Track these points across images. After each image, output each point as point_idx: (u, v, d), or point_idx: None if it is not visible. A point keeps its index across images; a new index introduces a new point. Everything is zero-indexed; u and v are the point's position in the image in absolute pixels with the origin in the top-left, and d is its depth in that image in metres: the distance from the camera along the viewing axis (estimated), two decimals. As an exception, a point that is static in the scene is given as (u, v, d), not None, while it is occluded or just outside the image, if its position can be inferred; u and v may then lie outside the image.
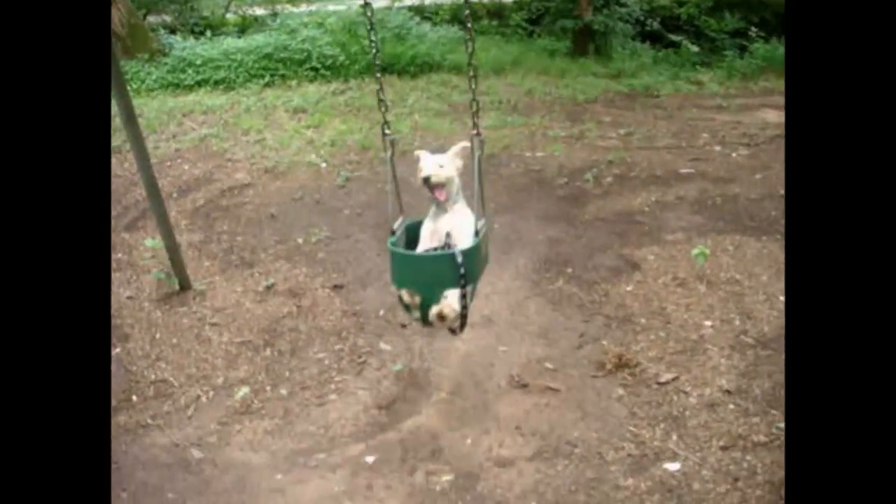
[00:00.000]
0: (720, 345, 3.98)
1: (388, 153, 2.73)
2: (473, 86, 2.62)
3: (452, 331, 2.73)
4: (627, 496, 3.10)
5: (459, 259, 2.44)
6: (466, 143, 2.68)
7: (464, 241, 2.60)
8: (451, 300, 2.54)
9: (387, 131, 2.71)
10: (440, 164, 2.66)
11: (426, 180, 2.64)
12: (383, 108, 2.70)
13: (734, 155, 7.20)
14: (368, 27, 2.71)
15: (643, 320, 4.26)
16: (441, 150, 2.81)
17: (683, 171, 6.74)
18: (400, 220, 2.81)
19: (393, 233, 2.73)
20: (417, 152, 2.78)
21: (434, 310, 2.53)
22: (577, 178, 6.59)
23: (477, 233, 2.57)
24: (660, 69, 11.72)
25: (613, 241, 5.31)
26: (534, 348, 4.04)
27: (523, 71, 11.10)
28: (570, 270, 4.87)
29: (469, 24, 2.62)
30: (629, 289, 4.61)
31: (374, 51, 2.79)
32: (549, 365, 3.90)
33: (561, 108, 9.18)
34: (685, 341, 4.04)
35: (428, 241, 2.73)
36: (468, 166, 2.69)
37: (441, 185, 2.66)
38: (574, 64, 11.70)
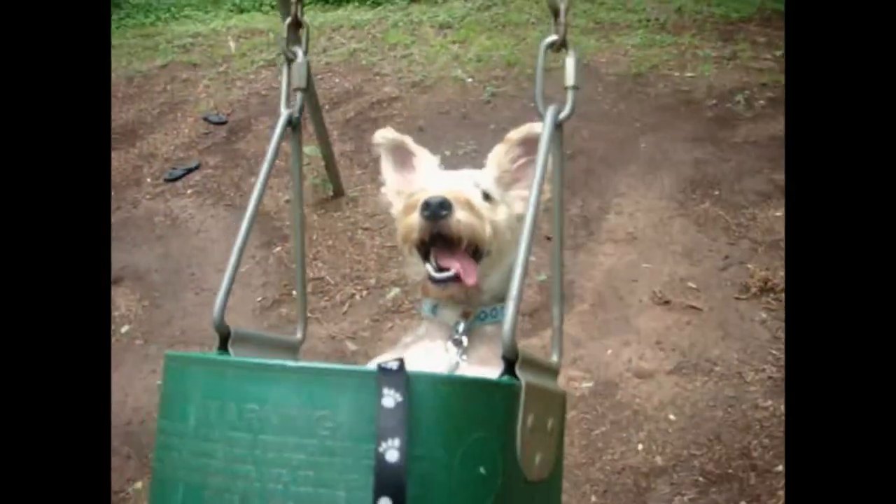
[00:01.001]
0: (873, 274, 3.87)
1: (281, 125, 1.23)
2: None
3: None
4: (766, 416, 3.13)
5: (390, 403, 0.73)
6: (534, 128, 1.32)
7: None
8: None
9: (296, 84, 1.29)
10: (478, 185, 1.31)
11: (432, 211, 1.18)
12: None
13: (902, 80, 6.75)
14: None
15: (792, 246, 4.18)
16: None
17: (844, 95, 6.40)
18: (298, 335, 1.30)
19: (224, 340, 1.08)
20: (388, 135, 1.51)
21: None
22: (727, 99, 6.38)
23: (510, 363, 0.84)
24: (824, -14, 10.96)
25: (763, 165, 5.16)
26: (677, 267, 4.06)
27: (674, -13, 10.66)
28: (716, 193, 4.80)
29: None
30: (778, 214, 4.51)
31: None
32: (691, 284, 3.92)
33: (712, 26, 8.79)
34: (835, 269, 3.94)
35: None
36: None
37: (473, 244, 1.22)
38: (729, -20, 11.11)
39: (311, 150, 5.26)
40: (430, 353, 1.12)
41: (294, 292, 4.20)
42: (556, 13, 1.03)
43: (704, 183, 4.93)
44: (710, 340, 3.54)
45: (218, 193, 5.37)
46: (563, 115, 0.97)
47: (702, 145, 5.51)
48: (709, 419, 3.15)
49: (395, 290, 4.05)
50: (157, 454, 0.85)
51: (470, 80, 7.13)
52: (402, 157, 1.41)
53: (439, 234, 1.12)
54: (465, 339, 1.14)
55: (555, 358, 0.97)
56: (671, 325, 3.65)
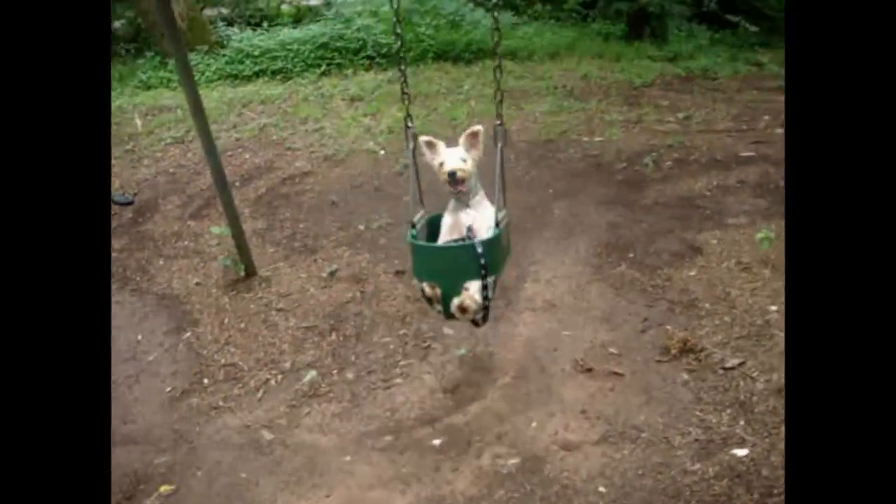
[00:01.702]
0: (787, 330, 3.92)
1: (410, 146, 2.75)
2: (498, 75, 2.59)
3: (475, 323, 2.73)
4: (695, 481, 3.09)
5: (479, 250, 2.47)
6: (478, 127, 2.66)
7: (484, 234, 2.63)
8: (472, 291, 2.55)
9: (409, 124, 2.73)
10: (462, 158, 2.62)
11: (451, 175, 2.61)
12: (406, 101, 2.71)
13: (797, 137, 7.04)
14: (394, 19, 2.84)
15: (707, 305, 4.22)
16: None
17: (744, 154, 6.63)
18: (420, 213, 2.82)
19: (413, 226, 2.73)
20: (426, 139, 2.70)
21: (455, 302, 2.55)
22: (635, 162, 6.53)
23: (497, 224, 2.60)
24: (717, 51, 11.50)
25: (675, 225, 5.26)
26: (597, 333, 4.04)
27: (578, 55, 11.01)
28: (631, 255, 4.84)
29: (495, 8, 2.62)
30: (692, 273, 4.57)
31: (396, 41, 2.86)
32: (612, 349, 3.89)
33: (617, 92, 9.08)
34: (751, 326, 3.99)
35: (448, 234, 2.74)
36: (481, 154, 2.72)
37: (464, 179, 2.63)
38: (629, 47, 11.55)
39: (221, 230, 5.11)
40: (463, 214, 2.71)
41: (205, 381, 4.01)
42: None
43: (619, 246, 4.98)
44: (634, 406, 3.50)
45: (123, 278, 5.14)
46: (504, 145, 2.65)
47: (614, 208, 5.59)
48: (639, 488, 3.08)
49: (312, 374, 3.89)
50: (413, 267, 2.69)
51: (382, 152, 7.12)
52: (430, 144, 2.70)
53: (453, 179, 2.60)
54: (471, 209, 2.70)
55: (504, 211, 2.64)
56: (595, 393, 3.60)
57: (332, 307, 4.50)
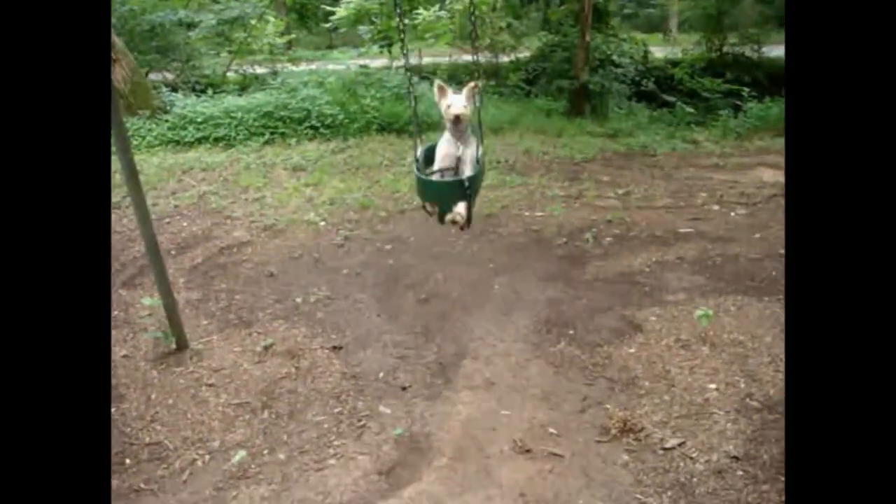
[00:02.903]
0: (726, 408, 3.92)
1: (413, 105, 3.77)
2: (475, 43, 4.08)
3: (462, 228, 3.61)
4: (635, 567, 3.01)
5: (466, 184, 3.42)
6: (474, 83, 3.52)
7: (469, 164, 3.54)
8: (460, 209, 3.45)
9: (409, 72, 3.82)
10: (464, 105, 3.48)
11: (456, 117, 3.47)
12: (404, 41, 3.72)
13: (732, 214, 7.22)
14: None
15: (647, 383, 4.19)
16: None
17: (683, 230, 6.75)
18: (420, 149, 3.73)
19: (417, 160, 3.68)
20: (439, 83, 3.56)
21: (448, 217, 3.48)
22: (576, 237, 6.59)
23: (478, 161, 3.54)
24: (655, 128, 11.84)
25: (614, 302, 5.27)
26: (536, 412, 3.97)
27: (521, 130, 11.21)
28: (571, 332, 4.82)
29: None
30: (632, 351, 4.56)
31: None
32: (552, 430, 3.82)
33: (559, 167, 9.23)
34: (690, 405, 3.97)
35: (441, 161, 3.60)
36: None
37: (464, 121, 3.51)
38: (571, 123, 11.82)
39: (152, 300, 4.94)
40: (453, 148, 3.54)
41: (127, 461, 3.80)
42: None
43: (559, 322, 4.96)
44: (573, 489, 3.41)
45: (46, 350, 4.90)
46: (480, 88, 3.57)
47: (554, 284, 5.59)
48: (578, 577, 2.99)
49: (241, 453, 3.72)
50: (418, 192, 3.72)
51: (323, 223, 7.06)
52: (441, 89, 3.46)
53: (457, 120, 3.43)
54: (461, 143, 3.52)
55: (481, 148, 3.65)
56: (534, 475, 3.51)
57: (266, 383, 4.34)
